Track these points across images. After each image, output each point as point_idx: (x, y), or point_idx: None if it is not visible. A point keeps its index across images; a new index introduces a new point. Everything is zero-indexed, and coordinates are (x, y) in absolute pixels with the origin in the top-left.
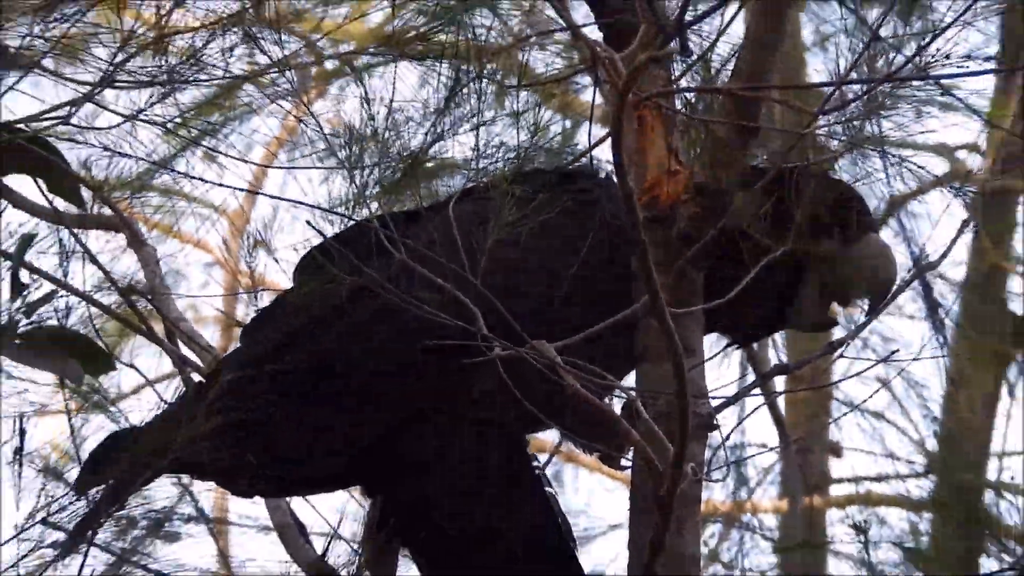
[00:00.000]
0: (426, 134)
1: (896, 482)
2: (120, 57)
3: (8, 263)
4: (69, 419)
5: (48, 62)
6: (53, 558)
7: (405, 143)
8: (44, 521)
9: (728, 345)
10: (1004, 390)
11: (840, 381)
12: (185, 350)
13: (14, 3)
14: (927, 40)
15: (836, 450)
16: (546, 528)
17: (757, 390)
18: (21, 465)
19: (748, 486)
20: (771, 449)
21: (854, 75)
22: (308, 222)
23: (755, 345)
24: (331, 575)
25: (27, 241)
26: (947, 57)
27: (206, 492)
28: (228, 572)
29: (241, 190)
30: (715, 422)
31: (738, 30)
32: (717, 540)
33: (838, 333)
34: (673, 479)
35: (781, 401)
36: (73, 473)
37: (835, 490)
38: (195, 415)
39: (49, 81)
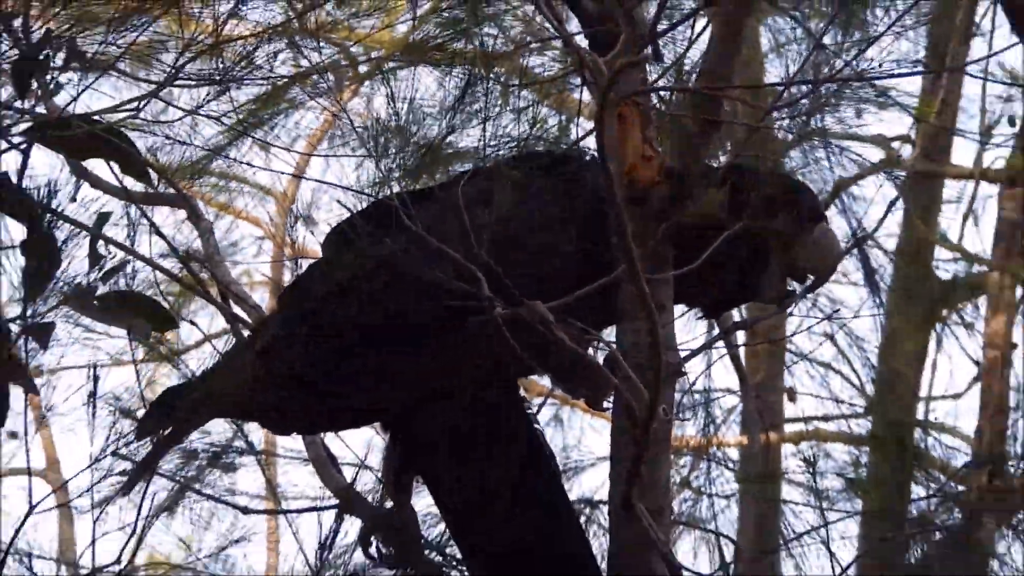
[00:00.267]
0: (441, 127)
1: (840, 421)
2: (182, 60)
3: (88, 236)
4: (136, 368)
5: (121, 65)
6: (122, 485)
7: (424, 135)
8: (114, 453)
9: (700, 316)
10: (931, 344)
11: (793, 335)
12: (237, 309)
13: (92, 14)
14: (864, 47)
15: (791, 394)
16: (533, 456)
17: (720, 343)
18: (95, 407)
19: (714, 424)
20: (733, 393)
21: (802, 77)
22: (339, 200)
23: None
24: (358, 501)
25: (103, 218)
26: (880, 65)
27: (256, 431)
28: (275, 498)
29: (286, 174)
30: (684, 370)
31: (704, 38)
32: (688, 470)
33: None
34: (648, 419)
35: (742, 352)
36: (139, 413)
37: (788, 428)
38: (244, 366)
39: (122, 81)
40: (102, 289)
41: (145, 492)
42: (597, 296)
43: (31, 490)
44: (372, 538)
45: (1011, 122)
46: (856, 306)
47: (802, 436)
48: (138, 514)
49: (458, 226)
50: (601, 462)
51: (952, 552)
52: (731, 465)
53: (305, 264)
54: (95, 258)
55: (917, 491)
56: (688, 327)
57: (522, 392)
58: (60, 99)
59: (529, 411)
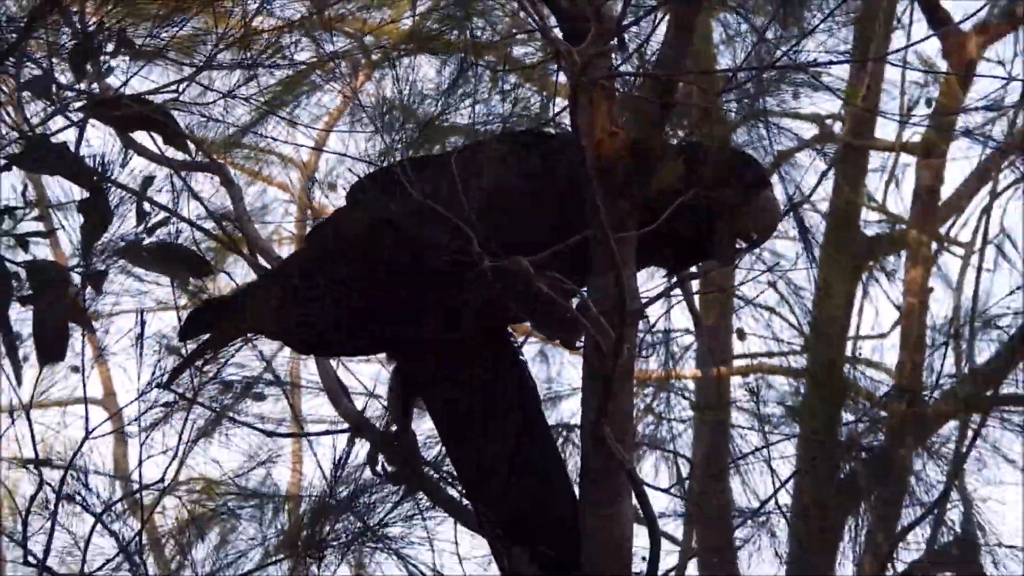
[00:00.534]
0: (438, 106)
1: (781, 358)
2: (216, 50)
3: (135, 198)
4: (179, 313)
5: (164, 54)
6: (165, 413)
7: (423, 113)
8: (159, 385)
9: (666, 275)
10: (859, 291)
11: (740, 284)
12: (263, 262)
13: (140, 11)
14: (800, 40)
15: (740, 334)
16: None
17: (678, 291)
18: (142, 347)
19: (673, 360)
20: (690, 333)
21: (747, 65)
22: (349, 169)
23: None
24: (367, 426)
25: (148, 182)
26: (815, 55)
27: (283, 362)
28: (298, 424)
29: (307, 147)
30: (645, 314)
31: (662, 30)
32: (651, 399)
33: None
34: (614, 356)
35: (696, 299)
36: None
37: (737, 363)
38: (268, 292)
39: (165, 67)
40: (148, 242)
41: (186, 420)
42: (571, 253)
43: (88, 417)
44: (378, 458)
45: (927, 103)
46: (794, 259)
47: (748, 370)
48: (179, 439)
49: (453, 193)
50: (577, 392)
51: (875, 469)
52: (687, 395)
53: None
54: (141, 216)
55: (846, 417)
56: (651, 278)
57: (514, 342)
58: (112, 82)
59: (521, 359)
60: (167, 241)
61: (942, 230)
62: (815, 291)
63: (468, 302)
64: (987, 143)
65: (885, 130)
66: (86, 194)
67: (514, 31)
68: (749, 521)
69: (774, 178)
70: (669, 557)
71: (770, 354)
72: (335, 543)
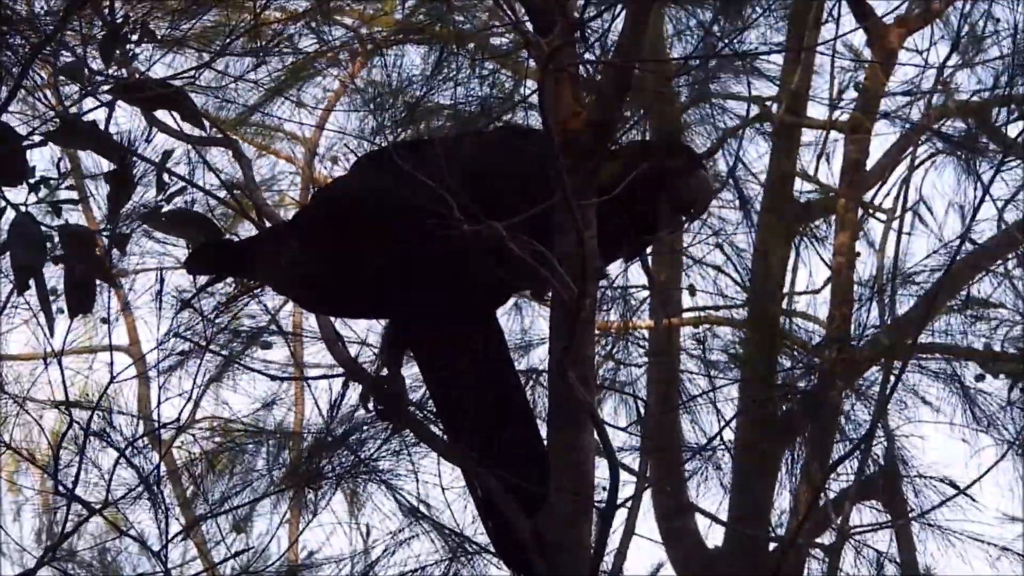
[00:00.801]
0: (423, 88)
1: (725, 310)
2: (229, 39)
3: (156, 170)
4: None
5: (183, 42)
6: (182, 359)
7: (410, 95)
8: (176, 335)
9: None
10: (793, 252)
11: (689, 246)
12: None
13: (163, 4)
14: (741, 32)
15: (691, 290)
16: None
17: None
18: (161, 301)
19: (630, 312)
20: (646, 289)
21: (696, 54)
22: (346, 145)
23: None
24: (360, 371)
25: (167, 155)
26: (756, 50)
27: (286, 315)
28: (300, 369)
29: (309, 125)
30: (605, 271)
31: (619, 23)
32: (610, 346)
33: None
34: (577, 309)
35: (650, 259)
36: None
37: (686, 315)
38: (276, 248)
39: (184, 55)
40: (167, 209)
41: (200, 365)
42: (540, 218)
43: (112, 363)
44: (370, 399)
45: (856, 87)
46: (736, 225)
47: (697, 321)
48: (194, 383)
49: (438, 169)
50: (546, 342)
51: (809, 409)
52: (643, 343)
53: None
54: (161, 185)
55: (784, 363)
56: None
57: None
58: (137, 67)
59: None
60: (184, 208)
61: (867, 198)
62: (755, 252)
63: (452, 263)
64: (906, 123)
65: (817, 111)
66: (113, 166)
67: (491, 24)
68: (698, 455)
69: (718, 154)
70: (627, 487)
71: (716, 307)
72: (331, 475)
